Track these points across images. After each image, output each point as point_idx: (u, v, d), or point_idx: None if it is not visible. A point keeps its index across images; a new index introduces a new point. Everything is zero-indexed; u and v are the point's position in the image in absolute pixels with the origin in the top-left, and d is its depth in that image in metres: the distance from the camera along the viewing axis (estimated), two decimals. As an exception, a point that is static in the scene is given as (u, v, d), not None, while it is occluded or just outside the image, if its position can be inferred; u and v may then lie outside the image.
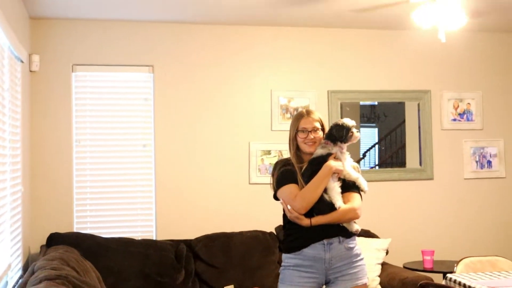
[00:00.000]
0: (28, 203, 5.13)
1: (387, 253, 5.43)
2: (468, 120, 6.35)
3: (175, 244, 5.33)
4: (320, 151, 3.61)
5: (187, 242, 5.39)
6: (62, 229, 5.23)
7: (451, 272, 4.34)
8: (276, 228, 5.53)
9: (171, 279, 5.09)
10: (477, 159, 6.33)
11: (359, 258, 3.60)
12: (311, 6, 5.31)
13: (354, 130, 3.61)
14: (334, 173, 3.53)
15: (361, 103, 6.31)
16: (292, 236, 3.60)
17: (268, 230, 5.54)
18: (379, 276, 5.21)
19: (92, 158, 5.61)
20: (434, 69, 6.33)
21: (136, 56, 5.73)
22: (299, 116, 3.69)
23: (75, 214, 5.51)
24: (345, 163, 3.61)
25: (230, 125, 5.88)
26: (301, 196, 3.50)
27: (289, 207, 3.54)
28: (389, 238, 5.51)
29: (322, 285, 3.59)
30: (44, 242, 5.10)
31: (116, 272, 4.97)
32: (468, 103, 6.35)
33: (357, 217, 3.58)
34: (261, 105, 5.95)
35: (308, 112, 3.71)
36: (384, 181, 6.16)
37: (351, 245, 3.58)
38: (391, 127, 6.46)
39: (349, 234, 3.57)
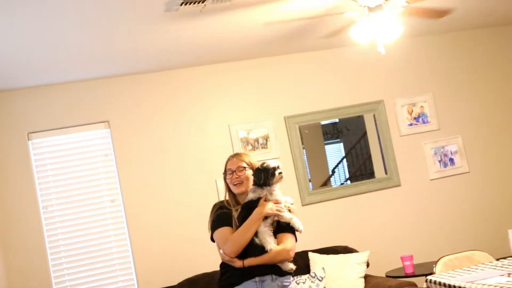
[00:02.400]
0: (3, 277, 5.07)
1: (368, 265, 5.47)
2: (424, 122, 6.49)
3: (158, 293, 5.31)
4: (251, 196, 3.64)
5: (170, 289, 5.38)
6: (43, 298, 5.20)
7: (431, 274, 4.39)
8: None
9: (159, 329, 5.06)
10: (440, 159, 6.46)
11: None
12: (253, 38, 5.42)
13: (276, 172, 3.59)
14: (266, 216, 3.56)
15: (322, 122, 6.39)
16: (227, 274, 3.61)
17: (248, 263, 5.55)
18: (363, 289, 5.25)
19: (62, 222, 5.59)
20: (383, 79, 6.47)
21: (90, 114, 5.76)
22: (227, 160, 3.77)
23: (53, 280, 5.47)
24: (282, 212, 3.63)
25: (194, 165, 5.92)
26: (231, 241, 3.52)
27: (221, 251, 3.58)
28: (367, 251, 5.56)
29: None
30: (25, 315, 5.06)
31: (103, 332, 4.94)
32: (422, 106, 6.49)
33: (289, 258, 3.59)
34: (221, 141, 6.01)
35: (235, 154, 3.79)
36: (354, 195, 6.24)
37: (286, 283, 3.59)
38: (355, 140, 6.56)
39: (282, 273, 3.59)
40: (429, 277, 4.24)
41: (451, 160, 6.48)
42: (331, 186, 6.36)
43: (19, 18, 3.95)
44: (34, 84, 5.57)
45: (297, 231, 3.64)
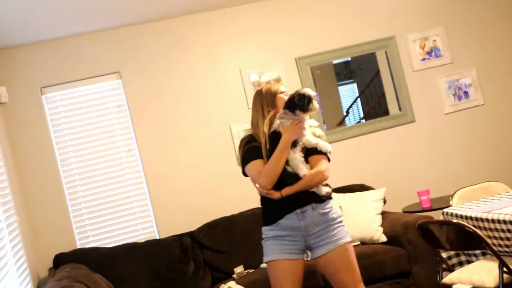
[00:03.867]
0: (27, 230, 5.18)
1: (384, 202, 5.49)
2: (437, 56, 6.40)
3: (179, 238, 5.40)
4: (274, 126, 3.65)
5: (190, 234, 5.46)
6: (66, 248, 5.29)
7: (448, 207, 4.42)
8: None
9: (181, 273, 5.16)
10: (454, 92, 6.40)
11: (336, 221, 3.66)
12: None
13: (314, 101, 3.62)
14: (295, 143, 3.59)
15: (334, 62, 6.34)
16: (268, 209, 3.67)
17: (266, 205, 5.60)
18: (381, 225, 5.29)
19: (80, 174, 5.65)
20: (394, 15, 6.37)
21: (101, 66, 5.76)
22: (274, 85, 3.77)
23: (75, 231, 5.57)
24: (305, 132, 3.67)
25: (207, 112, 5.92)
26: (264, 173, 3.57)
27: (257, 185, 3.62)
28: (383, 188, 5.57)
29: (304, 250, 3.66)
30: (51, 265, 5.16)
31: (127, 278, 5.04)
32: (434, 40, 6.40)
33: (325, 179, 3.63)
34: (233, 86, 5.99)
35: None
36: (369, 133, 6.22)
37: (326, 210, 3.63)
38: (368, 80, 6.50)
39: (321, 200, 3.63)
40: (445, 210, 4.26)
41: (466, 93, 6.42)
42: (346, 126, 6.35)
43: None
44: (44, 38, 5.55)
45: (326, 153, 3.68)
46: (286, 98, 3.67)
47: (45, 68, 5.64)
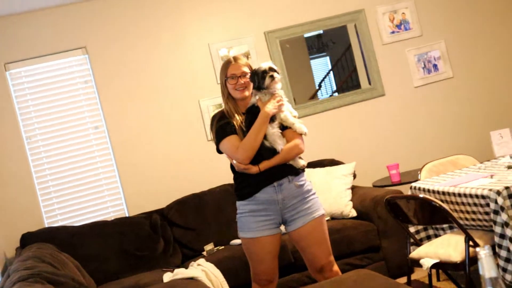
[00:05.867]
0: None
1: (354, 176, 5.49)
2: (406, 29, 6.38)
3: (148, 216, 5.35)
4: (253, 100, 3.65)
5: (159, 212, 5.42)
6: (34, 228, 5.21)
7: (416, 181, 4.43)
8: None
9: (151, 251, 5.13)
10: (423, 65, 6.39)
11: (311, 193, 3.69)
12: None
13: (267, 75, 3.56)
14: (273, 118, 3.58)
15: (305, 35, 6.28)
16: (243, 183, 3.66)
17: (236, 181, 5.57)
18: (351, 200, 5.29)
19: (47, 152, 5.56)
20: (362, -13, 6.33)
21: (67, 40, 5.64)
22: (227, 64, 3.72)
23: (42, 210, 5.49)
24: (283, 108, 3.65)
25: (176, 88, 5.85)
26: (243, 148, 3.54)
27: (234, 161, 3.59)
28: (353, 162, 5.57)
29: (280, 224, 3.69)
30: (18, 245, 5.10)
31: (95, 257, 5.00)
32: (403, 13, 6.37)
33: (301, 152, 3.66)
34: (202, 61, 5.91)
35: (235, 58, 3.74)
36: (339, 108, 6.20)
37: (301, 182, 3.66)
38: (341, 53, 6.46)
39: (297, 172, 3.65)
40: (413, 184, 4.28)
41: (435, 66, 6.41)
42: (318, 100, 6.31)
43: None
44: (8, 12, 5.41)
45: (301, 134, 3.68)
46: (234, 84, 3.64)
47: (8, 43, 5.50)
